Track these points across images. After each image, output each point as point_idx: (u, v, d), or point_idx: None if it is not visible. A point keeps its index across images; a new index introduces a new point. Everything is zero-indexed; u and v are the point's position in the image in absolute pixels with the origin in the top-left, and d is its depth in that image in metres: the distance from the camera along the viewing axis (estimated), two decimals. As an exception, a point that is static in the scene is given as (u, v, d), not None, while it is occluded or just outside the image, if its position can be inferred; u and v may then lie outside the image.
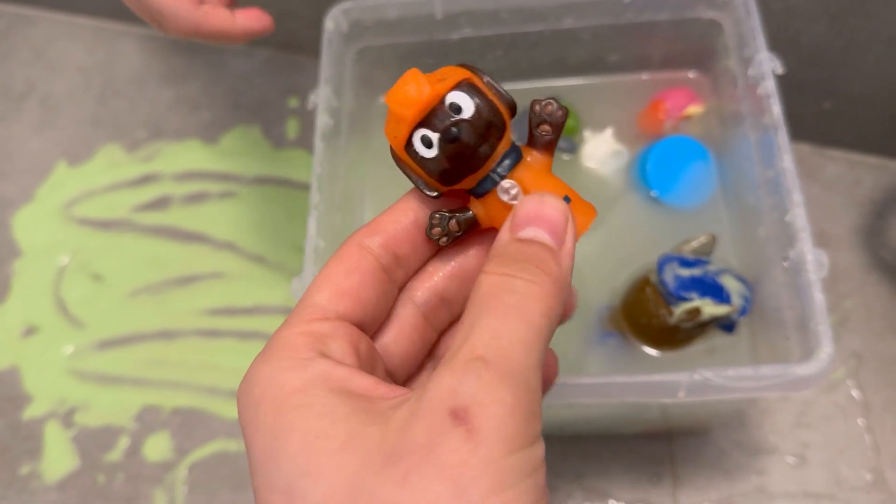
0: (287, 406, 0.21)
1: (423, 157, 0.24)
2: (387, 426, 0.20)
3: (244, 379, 0.23)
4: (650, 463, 0.50)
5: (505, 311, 0.21)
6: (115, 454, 0.54)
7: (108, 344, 0.57)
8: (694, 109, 0.49)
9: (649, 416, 0.47)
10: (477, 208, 0.25)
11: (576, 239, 0.23)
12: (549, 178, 0.25)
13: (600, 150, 0.50)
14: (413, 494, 0.19)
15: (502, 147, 0.24)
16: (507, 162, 0.24)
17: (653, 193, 0.48)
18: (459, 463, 0.19)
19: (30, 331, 0.58)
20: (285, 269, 0.59)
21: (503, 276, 0.22)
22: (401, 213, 0.26)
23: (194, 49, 0.68)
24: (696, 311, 0.41)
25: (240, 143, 0.64)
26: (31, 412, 0.56)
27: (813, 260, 0.37)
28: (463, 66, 0.25)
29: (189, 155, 0.64)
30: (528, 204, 0.23)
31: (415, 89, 0.23)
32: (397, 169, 0.26)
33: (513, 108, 0.25)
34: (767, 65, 0.42)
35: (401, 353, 0.26)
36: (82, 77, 0.68)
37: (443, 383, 0.20)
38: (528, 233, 0.23)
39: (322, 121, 0.44)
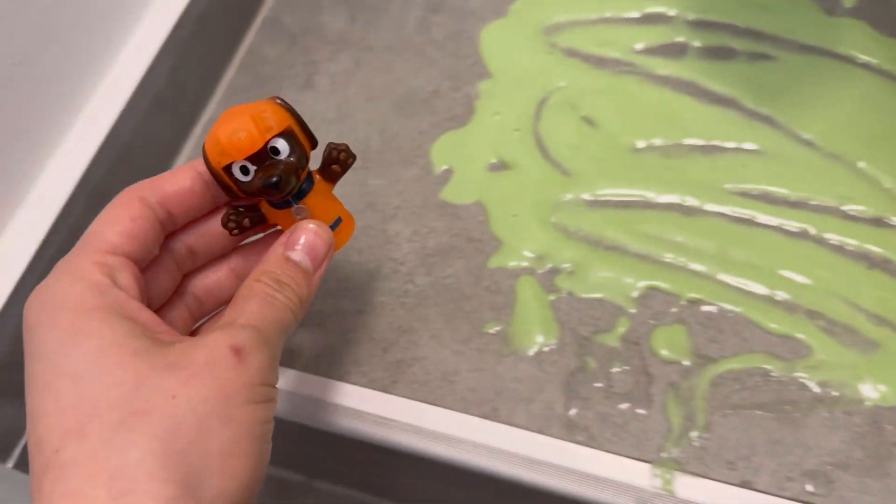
0: (87, 317, 0.27)
1: (237, 179, 0.30)
2: (170, 349, 0.27)
3: (36, 292, 0.28)
4: None
5: (271, 305, 0.30)
6: (612, 339, 0.42)
7: (598, 203, 0.46)
8: None
9: None
10: (267, 211, 0.32)
11: (332, 254, 0.33)
12: (331, 202, 0.33)
13: None
14: (189, 390, 0.26)
15: (303, 178, 0.31)
16: (303, 188, 0.32)
17: None
18: (229, 378, 0.26)
19: (498, 166, 0.48)
20: (843, 163, 0.45)
21: (272, 289, 0.30)
22: (181, 178, 0.32)
23: None
24: None
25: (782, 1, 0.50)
26: (499, 261, 0.45)
27: None
28: (281, 103, 0.31)
29: (709, 1, 0.51)
30: (303, 233, 0.32)
31: (246, 138, 0.29)
32: None
33: (315, 145, 0.32)
34: None
35: (156, 290, 0.32)
36: None
37: (223, 333, 0.28)
38: (297, 256, 0.31)
39: None
